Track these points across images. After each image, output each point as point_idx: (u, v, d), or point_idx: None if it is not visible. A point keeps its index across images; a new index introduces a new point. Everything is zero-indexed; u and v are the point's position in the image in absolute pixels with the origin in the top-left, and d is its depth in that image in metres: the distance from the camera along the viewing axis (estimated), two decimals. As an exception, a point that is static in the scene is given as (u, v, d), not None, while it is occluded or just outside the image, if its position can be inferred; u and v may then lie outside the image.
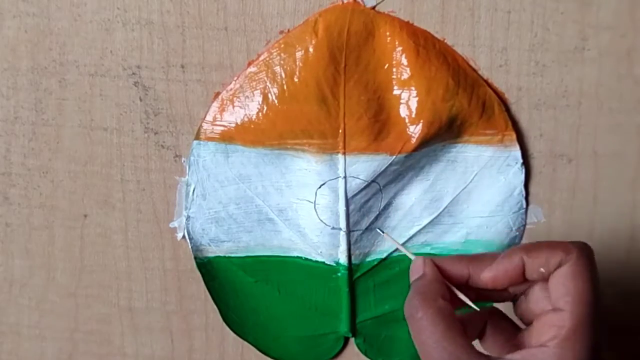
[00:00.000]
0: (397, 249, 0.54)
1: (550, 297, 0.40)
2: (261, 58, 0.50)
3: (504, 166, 0.53)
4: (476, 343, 0.42)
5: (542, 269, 0.40)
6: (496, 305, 0.45)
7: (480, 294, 0.42)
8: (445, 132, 0.51)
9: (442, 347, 0.38)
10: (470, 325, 0.43)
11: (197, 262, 0.54)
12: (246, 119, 0.50)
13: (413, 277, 0.42)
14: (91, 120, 0.52)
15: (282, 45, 0.49)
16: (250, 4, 0.49)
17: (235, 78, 0.50)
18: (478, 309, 0.42)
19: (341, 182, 0.51)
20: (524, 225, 0.54)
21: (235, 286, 0.55)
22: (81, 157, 0.52)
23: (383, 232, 0.52)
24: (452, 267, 0.42)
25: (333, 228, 0.52)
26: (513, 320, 0.44)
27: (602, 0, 0.50)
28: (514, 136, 0.52)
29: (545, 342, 0.39)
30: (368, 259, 0.54)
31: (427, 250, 0.55)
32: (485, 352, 0.40)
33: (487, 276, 0.41)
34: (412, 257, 0.43)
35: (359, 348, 0.56)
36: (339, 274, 0.54)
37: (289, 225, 0.53)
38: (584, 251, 0.40)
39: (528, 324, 0.42)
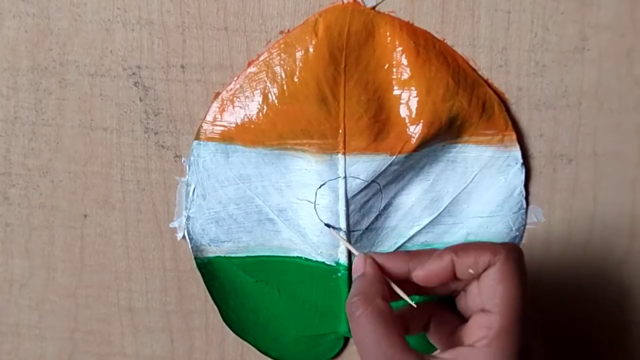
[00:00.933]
0: (397, 249, 0.54)
1: (481, 296, 0.41)
2: (261, 58, 0.50)
3: (504, 166, 0.53)
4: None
5: (470, 270, 0.41)
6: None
7: (421, 288, 0.44)
8: (445, 132, 0.51)
9: (379, 347, 0.39)
10: (414, 319, 0.45)
11: (197, 262, 0.54)
12: (246, 119, 0.50)
13: (354, 274, 0.43)
14: (91, 120, 0.52)
15: (282, 46, 0.49)
16: (250, 4, 0.49)
17: (235, 78, 0.50)
18: (415, 306, 0.43)
19: (341, 182, 0.51)
20: (524, 226, 0.54)
21: (235, 286, 0.55)
22: (81, 157, 0.52)
23: (330, 227, 0.51)
24: (393, 264, 0.43)
25: (333, 228, 0.52)
26: (457, 313, 0.45)
27: (602, 0, 0.50)
28: (514, 136, 0.52)
29: (474, 343, 0.40)
30: (368, 259, 0.54)
31: (427, 250, 0.55)
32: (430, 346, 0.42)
33: (419, 274, 0.42)
34: (356, 253, 0.45)
35: (359, 348, 0.56)
36: (339, 274, 0.54)
37: (289, 225, 0.53)
38: (512, 253, 0.41)
39: (467, 319, 0.43)
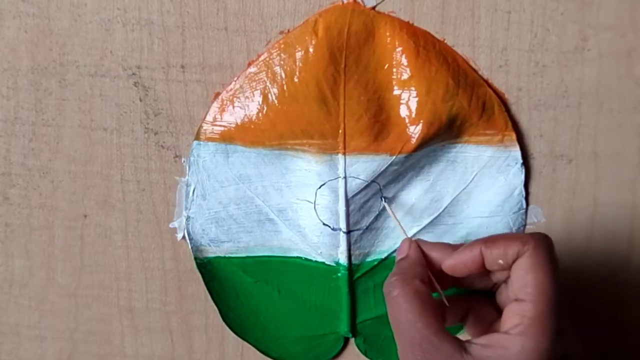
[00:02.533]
0: (397, 249, 0.54)
1: (513, 285, 0.41)
2: (261, 58, 0.50)
3: (504, 166, 0.53)
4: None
5: (500, 261, 0.41)
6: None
7: (460, 281, 0.44)
8: (445, 133, 0.51)
9: (414, 327, 0.39)
10: (452, 309, 0.45)
11: (197, 263, 0.54)
12: (246, 119, 0.50)
13: (398, 257, 0.44)
14: (91, 120, 0.52)
15: (282, 46, 0.49)
16: (250, 4, 0.49)
17: (235, 78, 0.50)
18: (447, 303, 0.43)
19: (341, 182, 0.51)
20: (524, 226, 0.54)
21: (235, 286, 0.55)
22: (81, 157, 0.52)
23: (384, 203, 0.51)
24: (436, 253, 0.44)
25: (333, 228, 0.52)
26: (496, 309, 0.45)
27: (602, 0, 0.50)
28: (514, 136, 0.52)
29: (508, 330, 0.40)
30: (368, 259, 0.54)
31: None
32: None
33: (448, 263, 0.43)
34: (404, 236, 0.46)
35: (359, 348, 0.56)
36: (339, 274, 0.54)
37: (289, 225, 0.53)
38: (542, 242, 0.41)
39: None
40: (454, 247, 0.44)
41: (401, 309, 0.40)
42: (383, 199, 0.51)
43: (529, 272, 0.40)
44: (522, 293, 0.40)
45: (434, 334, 0.39)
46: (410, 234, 0.54)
